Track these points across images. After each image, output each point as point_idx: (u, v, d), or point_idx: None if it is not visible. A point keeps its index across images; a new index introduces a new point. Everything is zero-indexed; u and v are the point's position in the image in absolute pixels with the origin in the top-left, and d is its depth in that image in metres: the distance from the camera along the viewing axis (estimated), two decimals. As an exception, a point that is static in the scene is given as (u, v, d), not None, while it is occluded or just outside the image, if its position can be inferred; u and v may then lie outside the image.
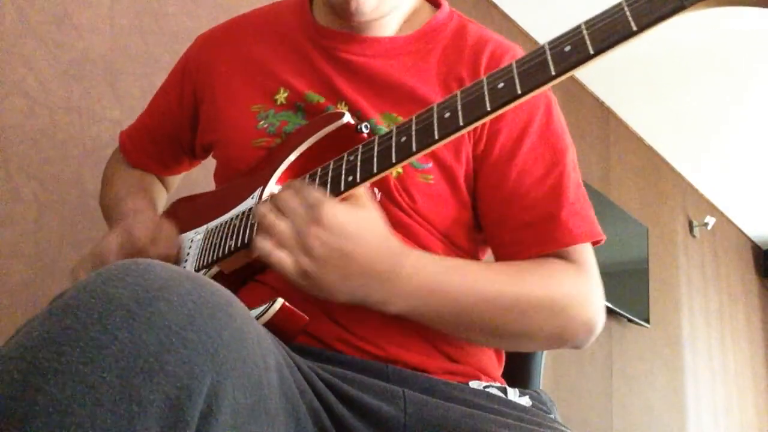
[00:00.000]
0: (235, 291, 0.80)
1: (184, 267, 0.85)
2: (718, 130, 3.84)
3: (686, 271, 4.25)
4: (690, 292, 4.26)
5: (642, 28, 0.57)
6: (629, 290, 3.54)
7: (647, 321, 3.62)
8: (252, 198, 0.82)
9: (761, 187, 4.45)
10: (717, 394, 4.45)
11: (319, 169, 0.77)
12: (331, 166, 0.75)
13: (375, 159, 0.71)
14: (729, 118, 3.68)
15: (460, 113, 0.66)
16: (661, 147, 4.08)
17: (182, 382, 0.47)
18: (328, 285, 0.70)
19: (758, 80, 3.31)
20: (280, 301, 0.70)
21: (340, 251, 0.68)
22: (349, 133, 0.79)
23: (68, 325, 0.47)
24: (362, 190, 0.73)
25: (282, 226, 0.69)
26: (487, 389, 0.78)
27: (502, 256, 0.85)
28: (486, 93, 0.64)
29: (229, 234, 0.80)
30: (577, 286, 0.80)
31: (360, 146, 0.74)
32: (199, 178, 1.28)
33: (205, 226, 0.87)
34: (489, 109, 0.64)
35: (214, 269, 0.81)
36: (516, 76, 0.63)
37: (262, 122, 0.88)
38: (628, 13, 0.58)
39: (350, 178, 0.72)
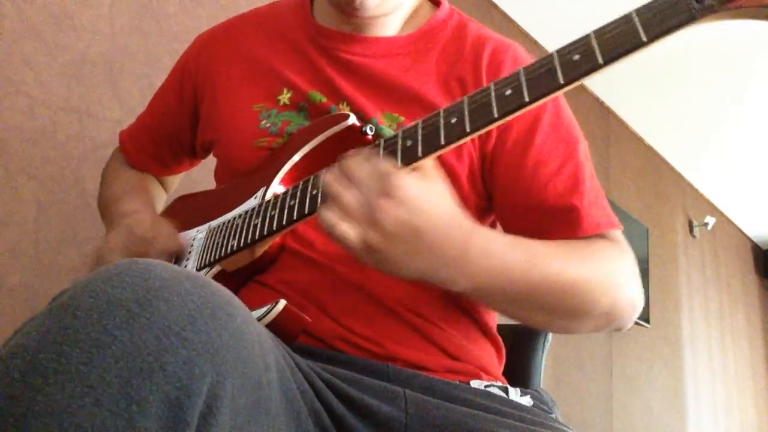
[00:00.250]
0: (236, 291, 0.81)
1: (186, 265, 0.85)
2: (718, 130, 3.84)
3: (686, 271, 4.25)
4: (690, 292, 4.26)
5: (651, 39, 0.57)
6: (629, 290, 3.54)
7: (647, 321, 3.62)
8: (255, 198, 0.82)
9: (761, 187, 4.45)
10: (717, 394, 4.45)
11: (323, 171, 0.77)
12: None
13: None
14: (729, 118, 3.68)
15: (467, 119, 0.65)
16: (661, 147, 4.08)
17: (182, 382, 0.47)
18: (395, 261, 0.66)
19: (758, 80, 3.31)
20: (282, 303, 0.70)
21: (411, 227, 0.64)
22: (354, 135, 0.79)
23: (68, 325, 0.47)
24: (430, 163, 0.69)
25: (350, 196, 0.65)
26: (488, 389, 0.78)
27: None
28: (493, 100, 0.64)
29: (232, 233, 0.80)
30: (621, 263, 0.80)
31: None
32: (200, 177, 1.28)
33: (207, 225, 0.87)
34: (496, 116, 0.64)
35: (216, 268, 0.81)
36: (524, 84, 0.63)
37: (264, 122, 0.88)
38: (638, 24, 0.57)
39: None
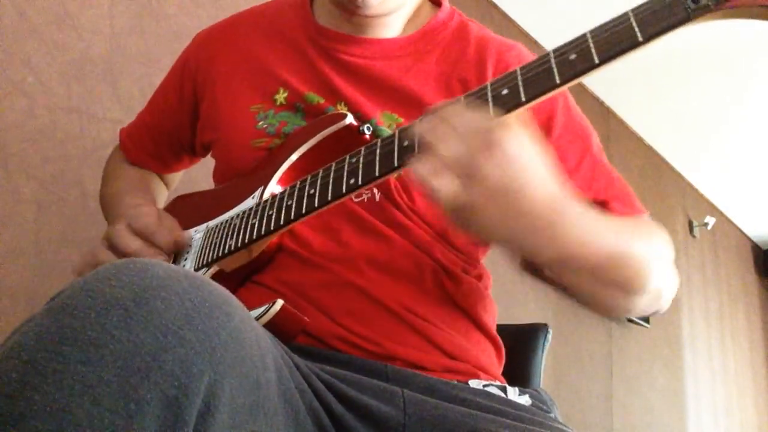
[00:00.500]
0: (234, 290, 0.81)
1: (184, 265, 0.85)
2: (718, 130, 3.84)
3: (686, 271, 4.25)
4: (690, 292, 4.25)
5: (648, 39, 0.57)
6: (629, 290, 3.54)
7: (647, 321, 3.62)
8: (252, 198, 0.82)
9: (761, 187, 4.45)
10: (717, 394, 4.45)
11: (321, 171, 0.77)
12: (333, 167, 0.75)
13: (377, 162, 0.70)
14: (729, 118, 3.68)
15: None
16: (661, 147, 4.08)
17: (180, 381, 0.47)
18: (488, 223, 0.60)
19: (758, 80, 3.31)
20: (280, 302, 0.70)
21: (512, 186, 0.58)
22: (351, 135, 0.79)
23: (66, 324, 0.47)
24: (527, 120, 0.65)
25: (450, 147, 0.58)
26: (486, 388, 0.78)
27: None
28: (490, 99, 0.64)
29: (230, 233, 0.80)
30: (666, 243, 0.82)
31: (362, 148, 0.73)
32: (199, 177, 1.27)
33: (205, 225, 0.87)
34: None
35: (214, 268, 0.81)
36: (520, 84, 0.63)
37: (261, 122, 0.88)
38: (634, 24, 0.58)
39: (352, 181, 0.71)
